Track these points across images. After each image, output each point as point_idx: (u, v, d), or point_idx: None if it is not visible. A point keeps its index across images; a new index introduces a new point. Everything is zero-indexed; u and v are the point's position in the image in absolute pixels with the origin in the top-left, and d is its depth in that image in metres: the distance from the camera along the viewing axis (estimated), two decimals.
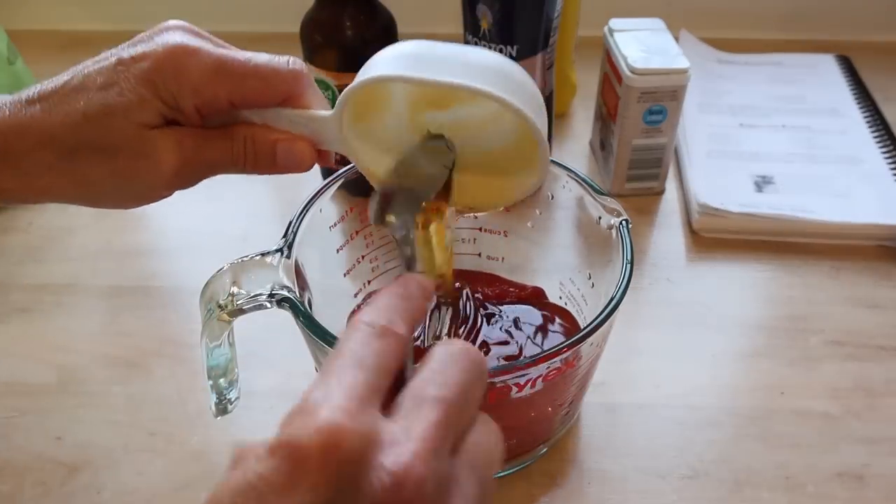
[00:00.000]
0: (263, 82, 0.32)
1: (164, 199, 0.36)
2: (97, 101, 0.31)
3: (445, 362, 0.23)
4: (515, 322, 0.44)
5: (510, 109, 0.30)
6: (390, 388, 0.23)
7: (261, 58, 0.32)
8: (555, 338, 0.44)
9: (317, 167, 0.59)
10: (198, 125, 0.33)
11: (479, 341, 0.43)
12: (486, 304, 0.45)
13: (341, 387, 0.22)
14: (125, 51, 0.32)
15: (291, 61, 0.33)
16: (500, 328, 0.44)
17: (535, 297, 0.46)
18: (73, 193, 0.33)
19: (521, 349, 0.43)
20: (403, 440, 0.21)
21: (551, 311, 0.45)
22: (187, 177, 0.33)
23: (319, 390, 0.22)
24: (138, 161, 0.32)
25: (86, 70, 0.32)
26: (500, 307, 0.45)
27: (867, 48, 0.77)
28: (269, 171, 0.34)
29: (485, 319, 0.44)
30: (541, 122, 0.31)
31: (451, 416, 0.22)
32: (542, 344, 0.43)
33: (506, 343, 0.43)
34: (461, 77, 0.30)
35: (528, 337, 0.43)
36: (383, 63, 0.31)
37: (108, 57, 0.32)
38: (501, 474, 0.40)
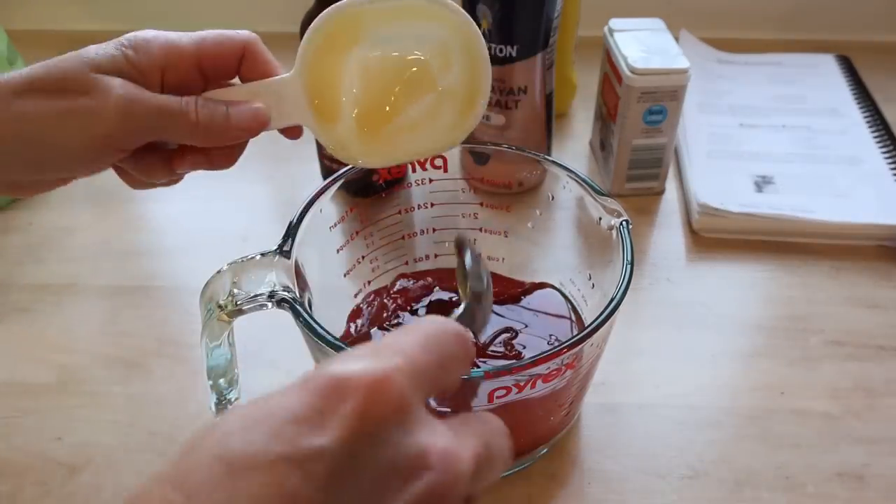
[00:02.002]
0: (221, 36, 0.35)
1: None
2: (64, 56, 0.32)
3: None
4: (518, 319, 0.44)
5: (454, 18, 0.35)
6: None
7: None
8: (558, 326, 0.44)
9: (317, 170, 0.59)
10: (158, 90, 0.34)
11: (484, 341, 0.43)
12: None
13: (407, 353, 0.21)
14: None
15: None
16: (503, 326, 0.44)
17: (536, 289, 0.46)
18: (16, 137, 0.32)
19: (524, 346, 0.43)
20: (449, 435, 0.21)
21: (554, 301, 0.45)
22: (133, 124, 0.33)
23: (387, 340, 0.21)
24: (81, 98, 0.32)
25: None
26: (502, 305, 0.45)
27: (867, 48, 0.77)
28: (223, 135, 0.34)
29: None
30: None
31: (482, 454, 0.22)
32: (546, 335, 0.43)
33: (508, 343, 0.43)
34: None
35: (531, 332, 0.43)
36: (327, 10, 0.34)
37: None
38: (502, 475, 0.40)
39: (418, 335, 0.22)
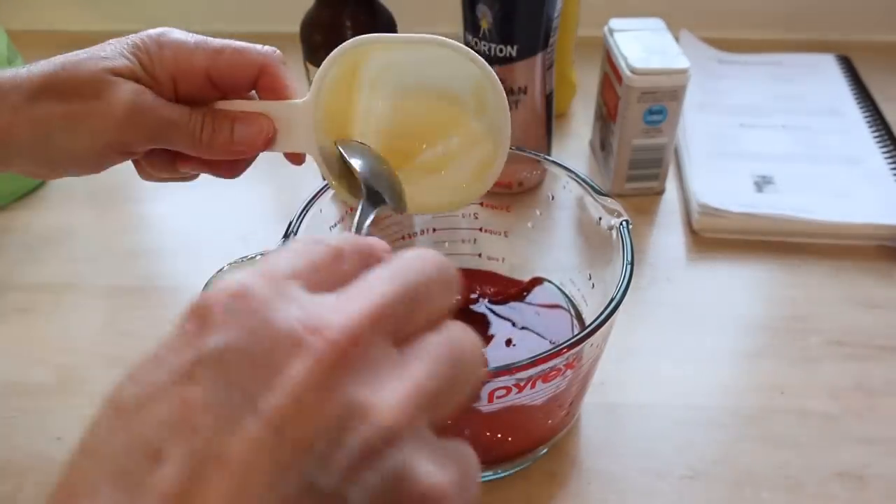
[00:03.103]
0: (238, 54, 0.34)
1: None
2: (79, 56, 0.33)
3: (402, 263, 0.21)
4: (518, 319, 0.44)
5: (477, 65, 0.33)
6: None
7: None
8: (559, 326, 0.44)
9: (317, 170, 0.59)
10: (170, 98, 0.34)
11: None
12: (489, 301, 0.45)
13: (261, 266, 0.20)
14: None
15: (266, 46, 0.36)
16: (503, 326, 0.44)
17: (534, 286, 0.46)
18: (28, 139, 0.33)
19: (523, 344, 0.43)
20: (331, 307, 0.19)
21: (554, 301, 0.46)
22: (138, 131, 0.33)
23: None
24: (92, 101, 0.32)
25: None
26: (502, 305, 0.45)
27: (867, 48, 0.77)
28: (225, 151, 0.35)
29: (488, 319, 0.44)
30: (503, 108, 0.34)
31: (396, 302, 0.19)
32: (546, 334, 0.43)
33: (508, 342, 0.43)
34: (432, 37, 0.33)
35: (533, 330, 0.43)
36: (351, 41, 0.33)
37: None
38: (502, 475, 0.40)
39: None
